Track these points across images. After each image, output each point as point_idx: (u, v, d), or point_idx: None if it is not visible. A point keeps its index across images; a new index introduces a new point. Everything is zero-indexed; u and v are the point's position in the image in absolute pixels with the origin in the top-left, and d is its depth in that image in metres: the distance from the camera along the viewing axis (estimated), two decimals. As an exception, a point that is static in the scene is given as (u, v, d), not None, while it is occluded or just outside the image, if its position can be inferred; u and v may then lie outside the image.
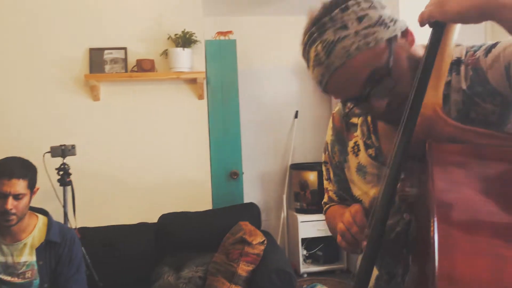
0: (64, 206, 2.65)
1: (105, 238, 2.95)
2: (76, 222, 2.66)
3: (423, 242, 0.68)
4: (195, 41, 3.22)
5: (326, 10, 0.83)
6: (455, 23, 0.76)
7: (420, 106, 0.76)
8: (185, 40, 3.17)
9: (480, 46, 0.84)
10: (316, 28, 0.83)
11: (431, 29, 0.79)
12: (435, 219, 0.60)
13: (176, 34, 3.19)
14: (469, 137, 0.74)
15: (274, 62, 4.22)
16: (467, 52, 0.85)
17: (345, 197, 1.13)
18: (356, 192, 1.05)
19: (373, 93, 0.81)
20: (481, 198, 0.65)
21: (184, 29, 3.19)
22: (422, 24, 0.77)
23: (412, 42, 0.86)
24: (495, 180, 0.69)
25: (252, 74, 4.17)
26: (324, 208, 1.22)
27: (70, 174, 2.70)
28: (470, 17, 0.70)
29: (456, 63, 0.85)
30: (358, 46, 0.79)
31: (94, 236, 2.90)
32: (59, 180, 2.67)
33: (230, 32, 3.63)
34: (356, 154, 1.03)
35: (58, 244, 2.03)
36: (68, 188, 2.69)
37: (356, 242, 0.88)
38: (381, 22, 0.80)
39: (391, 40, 0.81)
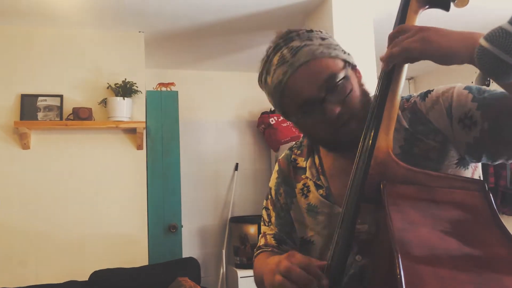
0: (-18, 264, 2.39)
1: (27, 300, 2.67)
2: (-5, 282, 2.40)
3: (384, 283, 0.68)
4: (136, 91, 3.18)
5: (292, 30, 0.93)
6: (437, 61, 0.75)
7: (374, 148, 0.80)
8: (125, 90, 3.12)
9: (411, 95, 0.95)
10: (283, 40, 0.92)
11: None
12: (399, 256, 0.61)
13: (116, 84, 3.14)
14: (420, 179, 0.78)
15: (215, 115, 4.27)
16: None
17: (285, 240, 1.10)
18: (309, 233, 1.04)
19: (328, 97, 0.87)
20: (437, 236, 0.67)
21: (125, 79, 3.15)
22: (393, 61, 0.79)
23: (360, 78, 0.96)
24: (446, 219, 0.72)
25: (193, 126, 4.17)
26: (256, 253, 1.14)
27: (-9, 228, 2.46)
28: (458, 56, 0.72)
29: None
30: (322, 51, 0.89)
31: (14, 298, 2.62)
32: (-23, 235, 2.42)
33: (172, 83, 3.64)
34: (306, 195, 1.04)
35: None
36: (-12, 243, 2.44)
37: None
38: (339, 47, 0.94)
39: (346, 62, 0.92)
